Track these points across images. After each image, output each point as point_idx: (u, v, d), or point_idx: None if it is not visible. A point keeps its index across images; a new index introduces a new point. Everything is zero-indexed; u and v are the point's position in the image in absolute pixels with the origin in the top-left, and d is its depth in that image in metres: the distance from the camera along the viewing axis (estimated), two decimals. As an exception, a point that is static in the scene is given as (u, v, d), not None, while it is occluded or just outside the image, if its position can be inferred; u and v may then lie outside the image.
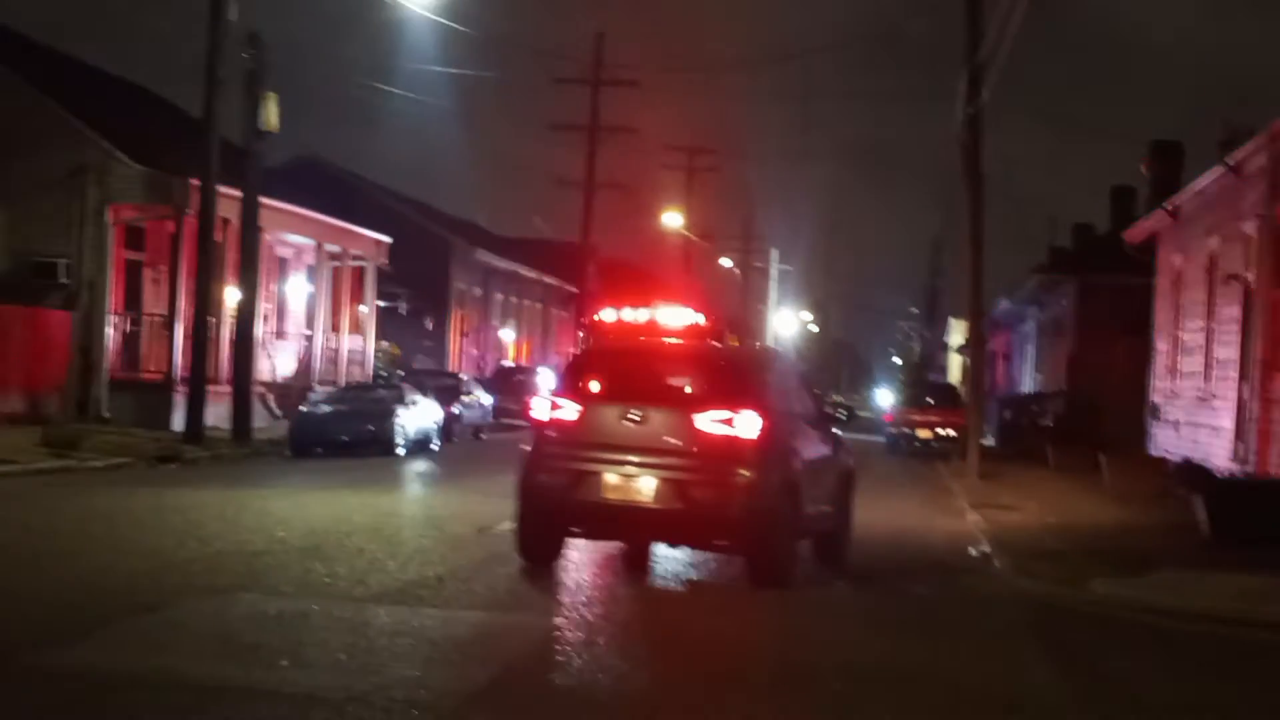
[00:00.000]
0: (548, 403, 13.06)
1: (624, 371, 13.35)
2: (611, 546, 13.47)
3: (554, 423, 12.72)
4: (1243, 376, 21.79)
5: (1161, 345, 29.21)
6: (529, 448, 12.93)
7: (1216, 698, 8.68)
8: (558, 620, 9.56)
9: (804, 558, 12.81)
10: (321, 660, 7.62)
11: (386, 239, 41.51)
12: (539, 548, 12.45)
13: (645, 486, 11.93)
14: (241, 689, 6.78)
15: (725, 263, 69.89)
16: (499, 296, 54.07)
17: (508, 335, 54.38)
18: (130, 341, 30.56)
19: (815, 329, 74.93)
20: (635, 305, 14.94)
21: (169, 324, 29.75)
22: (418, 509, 16.47)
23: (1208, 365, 24.44)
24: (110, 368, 29.31)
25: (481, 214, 61.13)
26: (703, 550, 12.99)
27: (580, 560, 13.00)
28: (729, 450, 11.90)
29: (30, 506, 15.78)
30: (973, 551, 15.24)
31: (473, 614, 9.67)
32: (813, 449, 13.53)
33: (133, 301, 30.69)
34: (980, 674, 8.74)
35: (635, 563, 13.06)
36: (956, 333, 63.04)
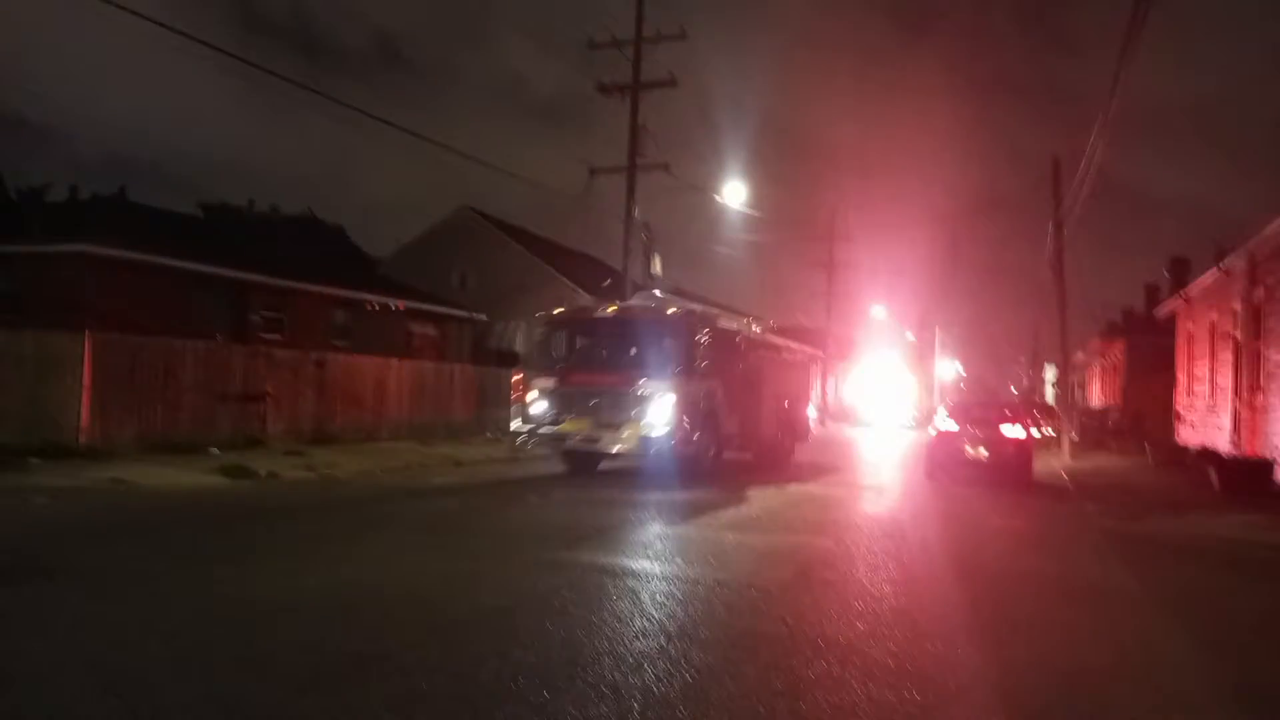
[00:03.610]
0: (943, 423, 18.12)
1: (972, 410, 19.02)
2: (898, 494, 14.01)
3: (944, 432, 17.68)
4: (1236, 394, 20.39)
5: (1181, 377, 27.34)
6: (932, 436, 18.05)
7: (1226, 580, 8.34)
8: (829, 542, 9.31)
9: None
10: (698, 560, 7.81)
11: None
12: (934, 477, 16.85)
13: (982, 452, 16.78)
14: (654, 574, 7.11)
15: (909, 336, 67.73)
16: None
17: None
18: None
19: (964, 374, 71.67)
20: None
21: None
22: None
23: (1213, 389, 22.76)
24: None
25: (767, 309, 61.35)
26: (998, 478, 16.31)
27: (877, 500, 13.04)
28: (1013, 440, 16.91)
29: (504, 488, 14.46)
30: (1068, 488, 14.73)
31: (780, 536, 9.59)
32: (1032, 439, 17.87)
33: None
34: (1086, 571, 8.60)
35: (935, 496, 14.69)
36: (1050, 373, 59.60)
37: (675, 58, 27.40)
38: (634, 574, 7.14)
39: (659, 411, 13.83)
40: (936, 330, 70.19)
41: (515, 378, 16.89)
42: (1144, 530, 11.34)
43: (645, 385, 14.01)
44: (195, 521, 9.52)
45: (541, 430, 14.76)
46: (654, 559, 7.85)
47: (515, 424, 15.26)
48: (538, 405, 14.78)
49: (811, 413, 35.07)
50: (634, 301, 18.17)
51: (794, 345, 22.71)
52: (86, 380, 14.79)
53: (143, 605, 5.78)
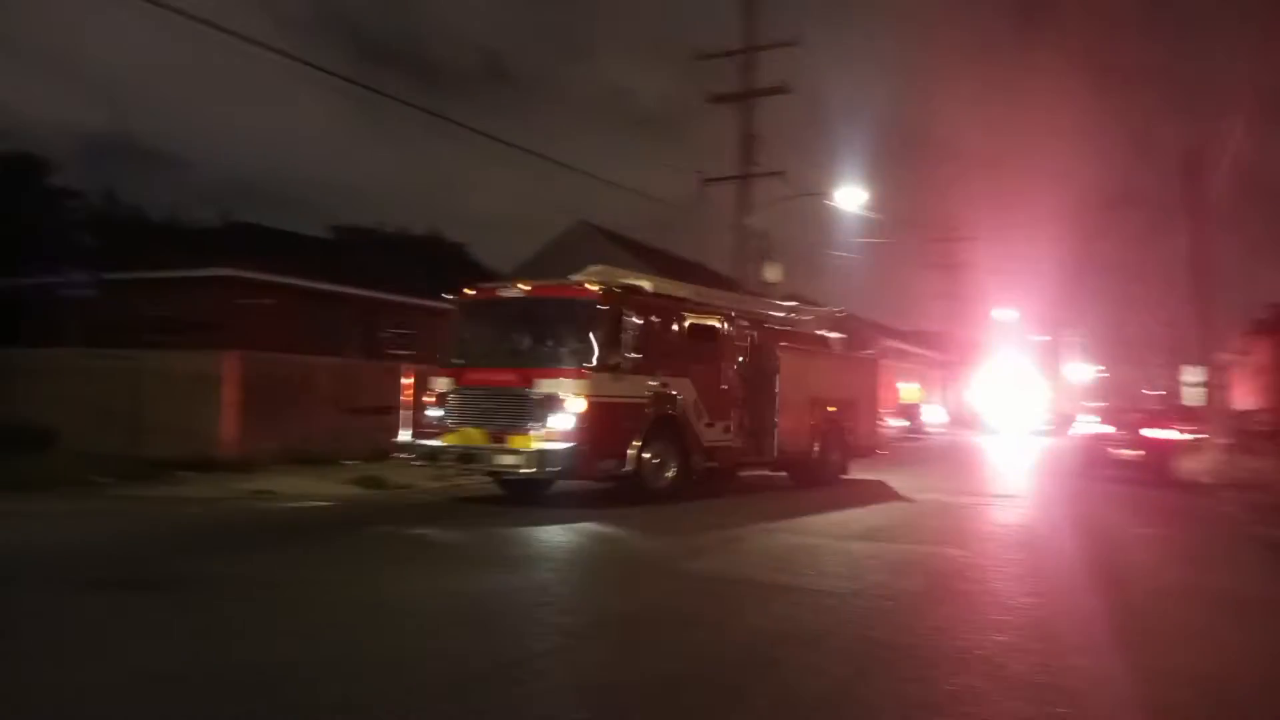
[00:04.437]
0: (1093, 425, 20.62)
1: (1119, 413, 21.60)
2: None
3: (1094, 433, 20.11)
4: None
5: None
6: (1080, 439, 21.15)
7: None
8: (958, 551, 9.15)
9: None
10: (828, 571, 7.74)
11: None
12: (1084, 474, 18.47)
13: (1130, 452, 18.11)
14: (785, 586, 7.05)
15: (1042, 337, 64.35)
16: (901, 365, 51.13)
17: (906, 385, 51.09)
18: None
19: (1103, 375, 67.71)
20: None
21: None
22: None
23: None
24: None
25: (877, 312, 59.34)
26: (1145, 479, 16.80)
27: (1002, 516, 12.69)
28: (1160, 441, 18.09)
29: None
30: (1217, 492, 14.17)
31: (909, 546, 9.43)
32: (1179, 441, 18.49)
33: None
34: (1238, 580, 8.16)
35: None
36: (1190, 374, 56.75)
37: (789, 62, 27.04)
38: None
39: (561, 418, 10.64)
40: (1071, 332, 67.20)
41: (405, 379, 13.35)
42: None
43: (547, 384, 10.84)
44: (338, 529, 9.94)
45: (421, 443, 11.90)
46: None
47: (402, 434, 12.43)
48: (432, 410, 11.91)
49: (938, 417, 33.65)
50: (576, 278, 12.63)
51: (853, 340, 18.76)
52: (231, 396, 15.63)
53: (313, 608, 6.14)
